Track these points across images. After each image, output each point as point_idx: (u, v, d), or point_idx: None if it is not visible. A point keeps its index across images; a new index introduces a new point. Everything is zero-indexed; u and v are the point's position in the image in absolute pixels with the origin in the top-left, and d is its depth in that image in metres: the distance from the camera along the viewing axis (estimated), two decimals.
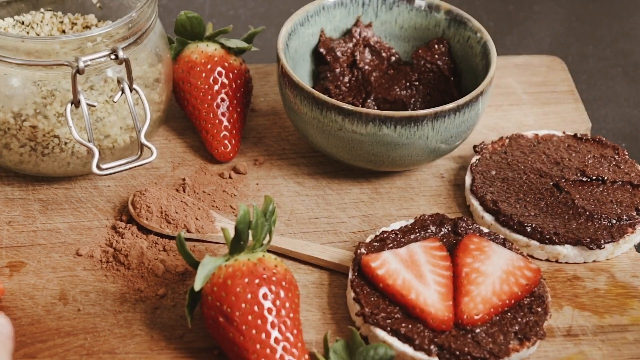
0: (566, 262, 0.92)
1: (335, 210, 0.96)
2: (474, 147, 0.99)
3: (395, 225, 0.90)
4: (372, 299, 0.83)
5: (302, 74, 1.03)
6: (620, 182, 0.95)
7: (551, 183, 0.95)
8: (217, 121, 1.00)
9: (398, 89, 1.02)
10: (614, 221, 0.92)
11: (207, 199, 0.96)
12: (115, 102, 0.91)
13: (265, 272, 0.79)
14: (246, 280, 0.78)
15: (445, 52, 1.02)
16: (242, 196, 0.97)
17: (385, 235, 0.88)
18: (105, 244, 0.91)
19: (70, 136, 0.92)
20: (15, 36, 0.88)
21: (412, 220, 0.90)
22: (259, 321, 0.77)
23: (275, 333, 0.78)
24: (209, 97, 1.00)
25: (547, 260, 0.92)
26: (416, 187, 0.99)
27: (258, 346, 0.77)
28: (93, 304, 0.86)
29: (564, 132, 1.01)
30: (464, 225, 0.89)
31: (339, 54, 1.03)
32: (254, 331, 0.77)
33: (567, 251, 0.91)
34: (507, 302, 0.83)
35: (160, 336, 0.84)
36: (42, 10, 1.02)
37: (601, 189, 0.95)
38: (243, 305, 0.77)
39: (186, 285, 0.88)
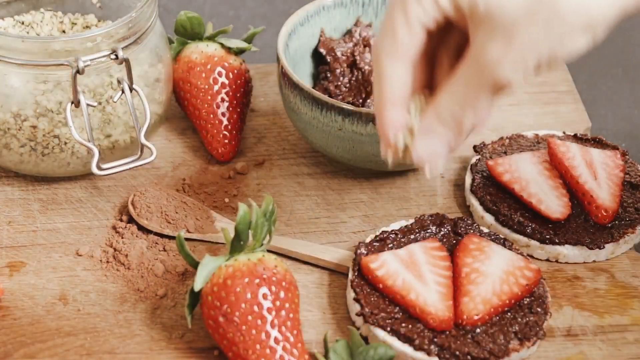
0: (566, 262, 0.92)
1: (335, 210, 0.96)
2: (474, 147, 0.99)
3: (395, 225, 0.90)
4: (372, 299, 0.83)
5: (302, 74, 1.03)
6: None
7: None
8: (217, 121, 1.00)
9: None
10: (614, 221, 0.92)
11: (207, 199, 0.96)
12: (115, 102, 0.91)
13: (265, 272, 0.79)
14: (246, 280, 0.78)
15: None
16: (242, 196, 0.97)
17: (385, 235, 0.88)
18: (105, 244, 0.91)
19: (70, 136, 0.92)
20: (15, 36, 0.88)
21: (412, 220, 0.90)
22: (259, 321, 0.77)
23: (275, 333, 0.78)
24: (209, 97, 1.00)
25: (547, 260, 0.92)
26: (416, 187, 0.99)
27: (258, 346, 0.77)
28: (93, 304, 0.86)
29: (564, 132, 1.01)
30: (464, 225, 0.89)
31: (339, 54, 1.03)
32: (254, 331, 0.77)
33: (567, 251, 0.91)
34: (507, 302, 0.83)
35: (160, 336, 0.84)
36: (42, 10, 1.02)
37: None
38: (243, 305, 0.77)
39: (186, 285, 0.88)
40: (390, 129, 0.74)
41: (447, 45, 0.76)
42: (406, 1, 0.71)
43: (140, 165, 0.90)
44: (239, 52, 1.02)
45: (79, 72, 0.87)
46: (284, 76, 0.95)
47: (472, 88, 0.71)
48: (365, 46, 1.04)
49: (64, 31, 1.01)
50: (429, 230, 0.89)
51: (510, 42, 0.68)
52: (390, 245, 0.87)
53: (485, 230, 0.90)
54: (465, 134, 0.74)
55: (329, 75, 1.03)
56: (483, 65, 0.69)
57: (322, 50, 1.03)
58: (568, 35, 0.69)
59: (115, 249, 0.91)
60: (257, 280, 0.78)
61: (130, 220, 0.93)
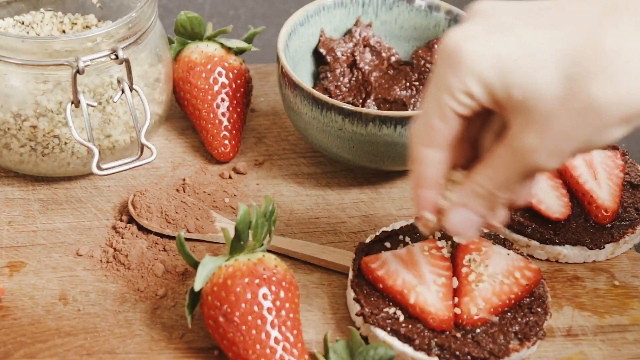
0: (566, 262, 0.92)
1: (335, 210, 0.96)
2: None
3: (396, 225, 0.90)
4: (372, 299, 0.83)
5: (302, 74, 1.03)
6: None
7: None
8: (217, 121, 1.00)
9: (398, 89, 1.02)
10: (614, 221, 0.92)
11: (207, 199, 0.96)
12: (115, 102, 0.91)
13: (265, 272, 0.79)
14: (246, 280, 0.78)
15: None
16: (242, 196, 0.97)
17: (385, 235, 0.88)
18: (105, 244, 0.91)
19: (70, 136, 0.92)
20: (15, 36, 0.88)
21: (412, 220, 0.90)
22: (259, 321, 0.77)
23: (275, 333, 0.78)
24: (209, 97, 1.00)
25: (547, 260, 0.92)
26: None
27: (258, 346, 0.77)
28: (93, 304, 0.86)
29: None
30: None
31: (339, 54, 1.03)
32: (254, 331, 0.77)
33: (567, 251, 0.91)
34: (507, 302, 0.83)
35: (160, 336, 0.84)
36: (42, 10, 1.02)
37: None
38: (243, 305, 0.77)
39: (186, 285, 0.88)
40: (422, 208, 0.77)
41: (490, 125, 0.76)
42: (440, 92, 0.71)
43: (140, 165, 0.90)
44: (239, 52, 1.02)
45: (79, 72, 0.87)
46: (284, 76, 0.95)
47: (507, 171, 0.71)
48: (365, 46, 1.04)
49: (64, 31, 1.01)
50: None
51: (546, 131, 0.68)
52: (390, 245, 0.87)
53: (486, 230, 0.90)
54: (500, 209, 0.76)
55: (329, 75, 1.03)
56: (519, 152, 0.70)
57: (322, 50, 1.03)
58: (604, 128, 0.68)
59: (115, 249, 0.91)
60: (257, 280, 0.78)
61: (130, 220, 0.93)
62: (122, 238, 0.91)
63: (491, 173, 0.72)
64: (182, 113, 1.05)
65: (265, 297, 0.78)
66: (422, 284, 0.82)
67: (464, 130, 0.74)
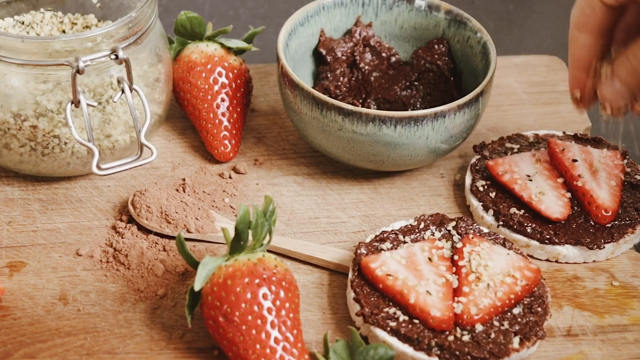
0: (566, 262, 0.92)
1: (335, 210, 0.96)
2: (474, 147, 0.99)
3: (395, 225, 0.90)
4: (372, 299, 0.83)
5: (302, 74, 1.03)
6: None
7: None
8: (217, 121, 1.00)
9: (398, 89, 1.02)
10: (614, 221, 0.92)
11: (207, 199, 0.96)
12: (115, 102, 0.91)
13: (265, 272, 0.79)
14: (246, 280, 0.78)
15: (445, 52, 1.02)
16: (242, 196, 0.97)
17: (385, 235, 0.88)
18: (105, 244, 0.91)
19: (70, 136, 0.92)
20: (15, 36, 0.88)
21: (412, 220, 0.90)
22: (259, 321, 0.77)
23: (275, 333, 0.78)
24: (209, 97, 1.00)
25: (547, 260, 0.92)
26: (416, 187, 0.99)
27: (258, 346, 0.77)
28: (93, 304, 0.86)
29: (564, 132, 1.01)
30: (464, 225, 0.89)
31: (339, 54, 1.03)
32: (254, 331, 0.77)
33: (567, 251, 0.91)
34: (507, 302, 0.83)
35: (160, 336, 0.84)
36: (42, 10, 1.02)
37: None
38: (243, 305, 0.77)
39: (186, 285, 0.88)
40: (573, 86, 0.87)
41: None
42: None
43: (140, 165, 0.90)
44: (239, 52, 1.02)
45: (79, 72, 0.87)
46: (284, 76, 0.95)
47: None
48: (365, 46, 1.04)
49: (64, 31, 1.01)
50: (429, 230, 0.89)
51: None
52: (390, 245, 0.87)
53: (485, 230, 0.90)
54: None
55: (329, 75, 1.03)
56: None
57: (322, 50, 1.03)
58: None
59: (115, 249, 0.91)
60: (257, 280, 0.78)
61: (130, 220, 0.93)
62: (122, 238, 0.91)
63: None
64: (182, 113, 1.05)
65: (265, 297, 0.78)
66: (422, 284, 0.82)
67: (612, 19, 0.82)
